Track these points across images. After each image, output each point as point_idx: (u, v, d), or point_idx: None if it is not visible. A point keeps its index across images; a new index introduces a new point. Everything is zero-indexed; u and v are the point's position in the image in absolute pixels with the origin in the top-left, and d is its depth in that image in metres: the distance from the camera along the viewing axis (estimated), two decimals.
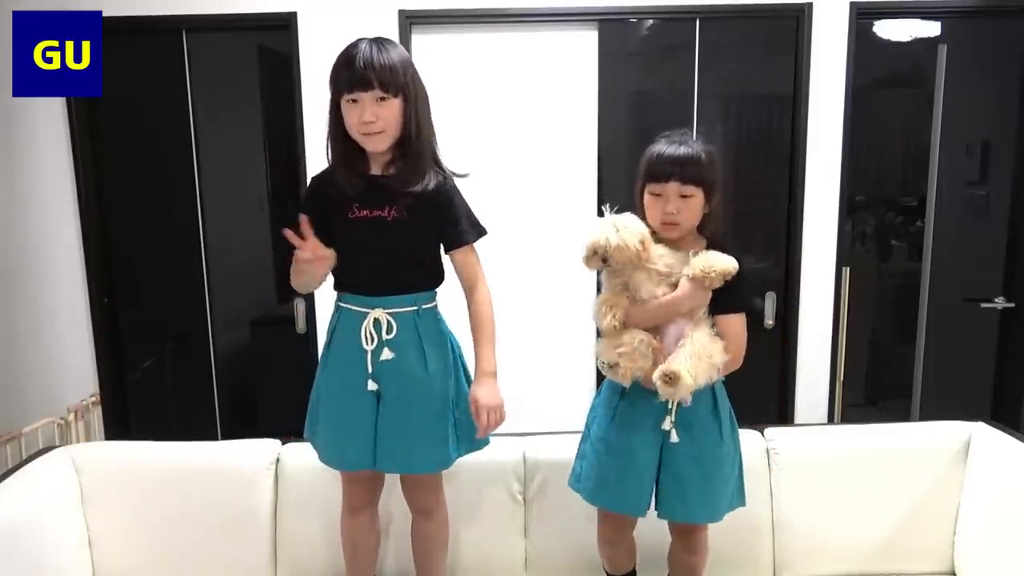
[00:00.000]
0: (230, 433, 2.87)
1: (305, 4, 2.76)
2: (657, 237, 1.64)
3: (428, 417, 1.69)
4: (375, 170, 1.67)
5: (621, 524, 1.80)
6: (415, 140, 1.63)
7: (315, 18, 2.77)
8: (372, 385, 1.66)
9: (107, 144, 2.90)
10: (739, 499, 1.78)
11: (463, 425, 1.73)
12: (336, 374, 1.71)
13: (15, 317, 2.92)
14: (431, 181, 1.66)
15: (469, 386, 1.74)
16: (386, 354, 1.65)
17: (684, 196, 1.59)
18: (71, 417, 2.83)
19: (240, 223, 3.01)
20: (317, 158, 2.81)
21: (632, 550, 1.89)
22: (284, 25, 2.77)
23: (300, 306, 2.97)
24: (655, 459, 1.66)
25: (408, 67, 1.61)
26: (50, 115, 2.81)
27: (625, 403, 1.68)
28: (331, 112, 1.65)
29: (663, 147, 1.62)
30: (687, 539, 1.80)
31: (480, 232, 1.72)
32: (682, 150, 1.61)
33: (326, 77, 1.54)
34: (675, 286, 1.60)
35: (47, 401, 2.89)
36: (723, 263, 1.56)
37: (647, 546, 1.91)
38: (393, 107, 1.59)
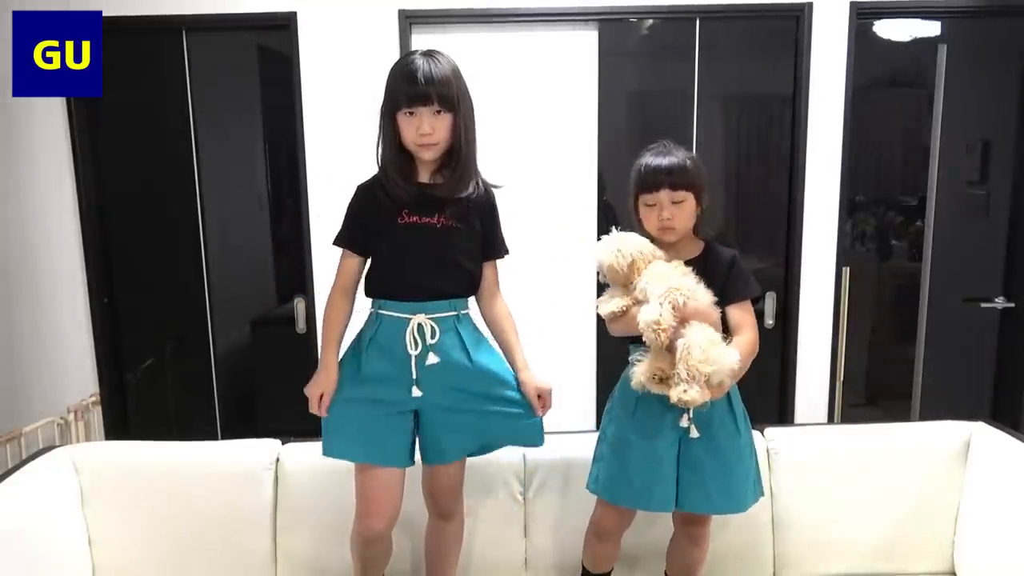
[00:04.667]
0: (230, 433, 2.87)
1: (305, 4, 2.76)
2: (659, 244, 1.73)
3: (473, 404, 1.71)
4: (423, 177, 1.71)
5: (623, 518, 1.82)
6: (464, 149, 1.68)
7: (315, 18, 2.77)
8: (416, 392, 1.67)
9: (107, 144, 2.90)
10: (760, 490, 1.82)
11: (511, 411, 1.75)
12: (376, 382, 1.69)
13: (15, 317, 2.92)
14: (475, 189, 1.71)
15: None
16: (431, 359, 1.67)
17: (676, 202, 1.70)
18: (71, 417, 2.83)
19: (240, 223, 3.00)
20: (317, 158, 2.82)
21: (618, 549, 1.91)
22: (284, 25, 2.77)
23: (300, 306, 2.97)
24: (676, 455, 1.71)
25: (460, 79, 1.67)
26: (50, 115, 2.81)
27: (642, 403, 1.70)
28: (384, 122, 1.68)
29: (650, 159, 1.74)
30: (693, 531, 1.83)
31: (507, 249, 1.81)
32: (668, 159, 1.72)
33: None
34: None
35: (47, 401, 2.89)
36: (645, 315, 1.57)
37: (630, 545, 1.93)
38: (448, 120, 1.64)
